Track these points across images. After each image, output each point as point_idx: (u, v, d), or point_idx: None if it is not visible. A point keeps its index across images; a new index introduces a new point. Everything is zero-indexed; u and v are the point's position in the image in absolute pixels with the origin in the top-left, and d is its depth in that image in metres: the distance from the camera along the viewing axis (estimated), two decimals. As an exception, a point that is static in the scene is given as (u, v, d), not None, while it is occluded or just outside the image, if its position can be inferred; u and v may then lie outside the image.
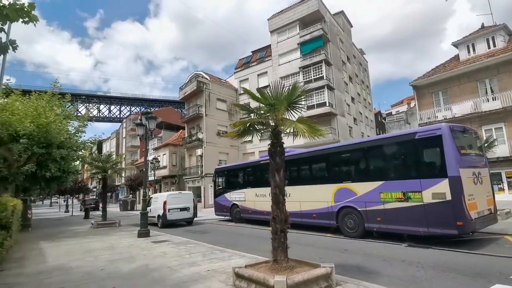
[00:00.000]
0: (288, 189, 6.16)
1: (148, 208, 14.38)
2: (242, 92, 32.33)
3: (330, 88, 26.89)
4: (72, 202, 34.12)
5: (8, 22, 4.47)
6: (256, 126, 5.56)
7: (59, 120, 12.76)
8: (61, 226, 17.02)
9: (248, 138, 5.89)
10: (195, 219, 16.74)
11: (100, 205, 26.77)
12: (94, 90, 75.47)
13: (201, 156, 30.72)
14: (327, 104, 25.88)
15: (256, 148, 30.47)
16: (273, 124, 5.15)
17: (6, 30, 4.72)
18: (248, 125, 5.39)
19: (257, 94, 5.37)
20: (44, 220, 23.22)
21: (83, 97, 64.09)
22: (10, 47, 4.76)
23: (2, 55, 4.58)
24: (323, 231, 11.11)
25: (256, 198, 14.46)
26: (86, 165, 17.47)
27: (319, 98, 26.27)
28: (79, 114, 16.71)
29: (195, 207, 16.46)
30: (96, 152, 40.69)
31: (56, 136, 12.45)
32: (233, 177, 17.24)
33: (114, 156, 18.10)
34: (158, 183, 39.28)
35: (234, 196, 16.17)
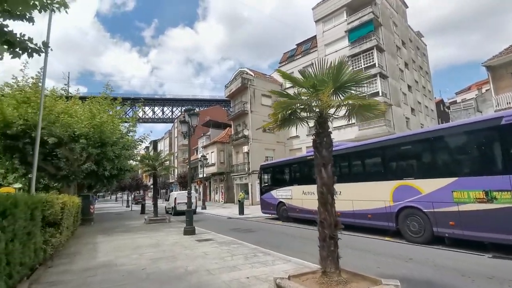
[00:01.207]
0: (339, 187, 5.25)
1: (167, 202, 24.21)
2: (288, 86, 31.49)
3: (383, 76, 24.59)
4: (132, 198, 36.84)
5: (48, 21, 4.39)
6: (298, 114, 4.79)
7: (111, 120, 13.42)
8: (119, 221, 18.13)
9: (290, 128, 5.09)
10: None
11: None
12: (152, 94, 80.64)
13: (247, 153, 30.64)
14: (380, 94, 23.69)
15: (303, 143, 29.38)
16: (318, 110, 4.34)
17: (47, 29, 4.67)
18: (289, 113, 4.63)
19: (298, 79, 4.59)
20: (107, 214, 25.21)
21: (141, 100, 69.19)
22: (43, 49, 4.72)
23: (43, 58, 4.48)
24: (379, 233, 9.86)
25: (303, 196, 13.60)
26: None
27: (371, 88, 24.16)
28: (128, 116, 17.49)
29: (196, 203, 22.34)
30: (152, 151, 43.39)
31: (109, 136, 13.11)
32: (279, 173, 16.57)
33: (163, 154, 18.68)
34: (207, 180, 40.43)
35: (281, 194, 15.50)
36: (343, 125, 25.16)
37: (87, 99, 14.63)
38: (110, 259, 7.27)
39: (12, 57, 3.70)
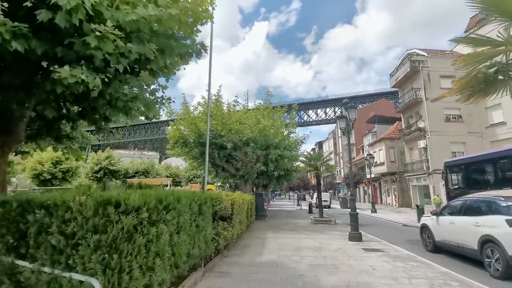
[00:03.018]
0: None
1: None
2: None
3: None
4: (297, 197, 39.00)
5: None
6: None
7: (271, 124, 14.37)
8: (288, 218, 19.19)
9: (488, 98, 3.21)
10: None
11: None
12: (315, 97, 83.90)
13: (424, 148, 25.45)
14: None
15: (515, 131, 21.21)
16: None
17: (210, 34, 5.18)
18: (493, 70, 2.86)
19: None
20: (279, 212, 27.59)
21: (295, 106, 73.34)
22: (203, 51, 5.19)
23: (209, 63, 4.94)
24: None
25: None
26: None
27: None
28: (289, 120, 18.37)
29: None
30: (317, 152, 44.53)
31: (272, 138, 14.05)
32: (477, 172, 12.38)
33: (325, 154, 18.30)
34: (376, 181, 36.90)
35: (481, 200, 11.43)
36: None
37: (254, 109, 16.49)
38: (273, 258, 7.35)
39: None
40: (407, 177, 28.68)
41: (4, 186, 4.90)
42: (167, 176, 45.11)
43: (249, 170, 15.64)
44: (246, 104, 16.69)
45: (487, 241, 6.14)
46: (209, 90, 8.37)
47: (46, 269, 3.16)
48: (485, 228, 6.25)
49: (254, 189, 23.48)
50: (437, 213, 8.48)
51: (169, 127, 15.51)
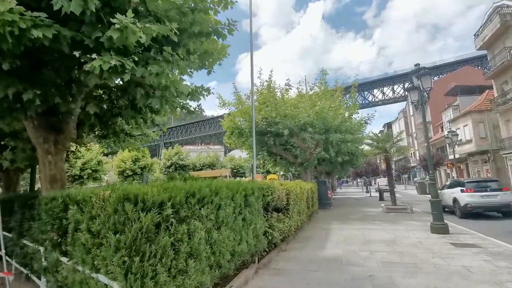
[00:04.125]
0: None
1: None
2: None
3: None
4: (363, 183, 36.27)
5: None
6: None
7: (328, 105, 13.09)
8: (356, 207, 17.70)
9: None
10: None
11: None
12: (381, 75, 76.69)
13: (528, 119, 20.75)
14: None
15: None
16: None
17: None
18: None
19: None
20: (346, 199, 25.89)
21: (354, 84, 67.81)
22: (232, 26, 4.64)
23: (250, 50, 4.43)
24: None
25: None
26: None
27: None
28: (349, 102, 16.66)
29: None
30: (386, 132, 40.61)
31: (331, 121, 12.82)
32: None
33: (395, 134, 16.22)
34: (462, 162, 31.97)
35: None
36: None
37: (310, 94, 15.32)
38: (336, 253, 6.51)
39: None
40: (504, 156, 23.97)
41: (64, 183, 5.13)
42: (232, 168, 46.82)
43: (308, 157, 14.71)
44: (301, 88, 15.59)
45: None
46: (252, 77, 7.78)
47: (80, 268, 3.01)
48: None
49: (318, 175, 22.39)
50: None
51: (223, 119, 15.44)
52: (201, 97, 6.10)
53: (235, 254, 4.04)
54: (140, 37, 3.37)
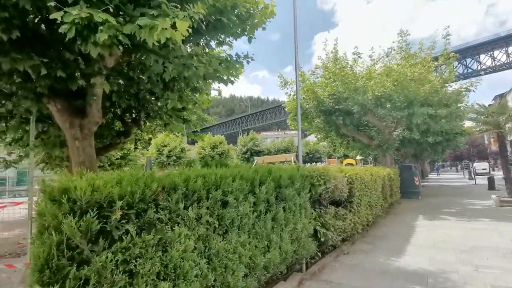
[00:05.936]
0: None
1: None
2: None
3: None
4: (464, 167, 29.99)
5: None
6: None
7: (411, 71, 10.39)
8: (454, 197, 14.37)
9: None
10: None
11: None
12: (489, 36, 62.60)
13: None
14: None
15: None
16: None
17: None
18: None
19: None
20: (440, 187, 21.72)
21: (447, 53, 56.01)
22: None
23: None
24: None
25: None
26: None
27: None
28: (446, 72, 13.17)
29: None
30: (499, 104, 32.76)
31: (415, 92, 10.21)
32: None
33: (510, 106, 12.32)
34: None
35: None
36: None
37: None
38: (420, 264, 4.79)
39: None
40: None
41: (94, 171, 4.87)
42: (307, 153, 45.52)
43: (386, 137, 12.32)
44: (374, 56, 12.89)
45: None
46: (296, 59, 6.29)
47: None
48: None
49: (400, 160, 19.15)
50: None
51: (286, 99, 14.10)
52: (238, 65, 5.20)
53: (256, 267, 2.95)
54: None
